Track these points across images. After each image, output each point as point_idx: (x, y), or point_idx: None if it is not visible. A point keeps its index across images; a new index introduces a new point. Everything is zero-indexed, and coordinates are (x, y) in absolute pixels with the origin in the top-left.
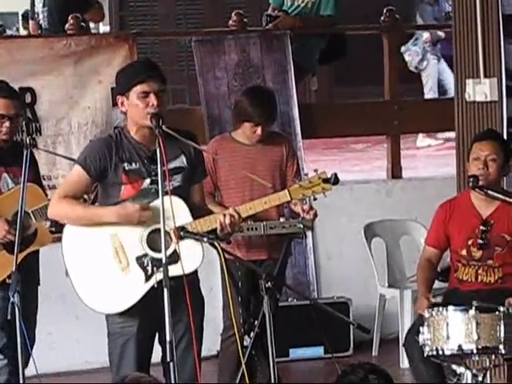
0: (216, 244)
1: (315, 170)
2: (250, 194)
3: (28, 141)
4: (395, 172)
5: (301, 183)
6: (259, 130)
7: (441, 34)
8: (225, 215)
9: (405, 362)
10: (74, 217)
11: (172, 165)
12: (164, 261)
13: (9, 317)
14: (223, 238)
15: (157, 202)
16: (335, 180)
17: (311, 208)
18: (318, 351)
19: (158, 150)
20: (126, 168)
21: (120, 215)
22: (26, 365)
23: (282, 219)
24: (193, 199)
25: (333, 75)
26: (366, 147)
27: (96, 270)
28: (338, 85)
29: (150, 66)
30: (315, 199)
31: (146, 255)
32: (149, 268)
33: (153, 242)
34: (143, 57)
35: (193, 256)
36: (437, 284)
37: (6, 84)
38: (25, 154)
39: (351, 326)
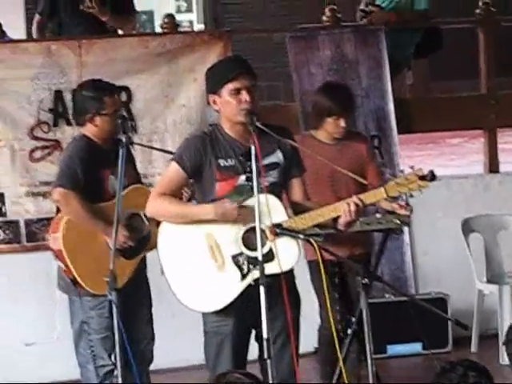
0: (312, 241)
1: (411, 167)
2: (333, 193)
3: (124, 139)
4: (492, 166)
5: (397, 180)
6: (343, 122)
7: None
8: (349, 204)
9: (505, 359)
10: (171, 214)
11: (267, 160)
12: (260, 258)
13: (106, 314)
14: (321, 234)
15: (252, 201)
16: (432, 177)
17: (408, 204)
18: (416, 347)
19: (252, 148)
20: (221, 164)
21: (217, 213)
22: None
23: (377, 215)
24: (292, 195)
25: (428, 69)
26: (463, 141)
27: (192, 268)
28: (434, 79)
29: (240, 63)
30: (412, 196)
31: (241, 254)
32: (244, 267)
33: (248, 240)
34: (233, 54)
35: (289, 254)
36: None
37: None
38: (120, 153)
39: (449, 322)
